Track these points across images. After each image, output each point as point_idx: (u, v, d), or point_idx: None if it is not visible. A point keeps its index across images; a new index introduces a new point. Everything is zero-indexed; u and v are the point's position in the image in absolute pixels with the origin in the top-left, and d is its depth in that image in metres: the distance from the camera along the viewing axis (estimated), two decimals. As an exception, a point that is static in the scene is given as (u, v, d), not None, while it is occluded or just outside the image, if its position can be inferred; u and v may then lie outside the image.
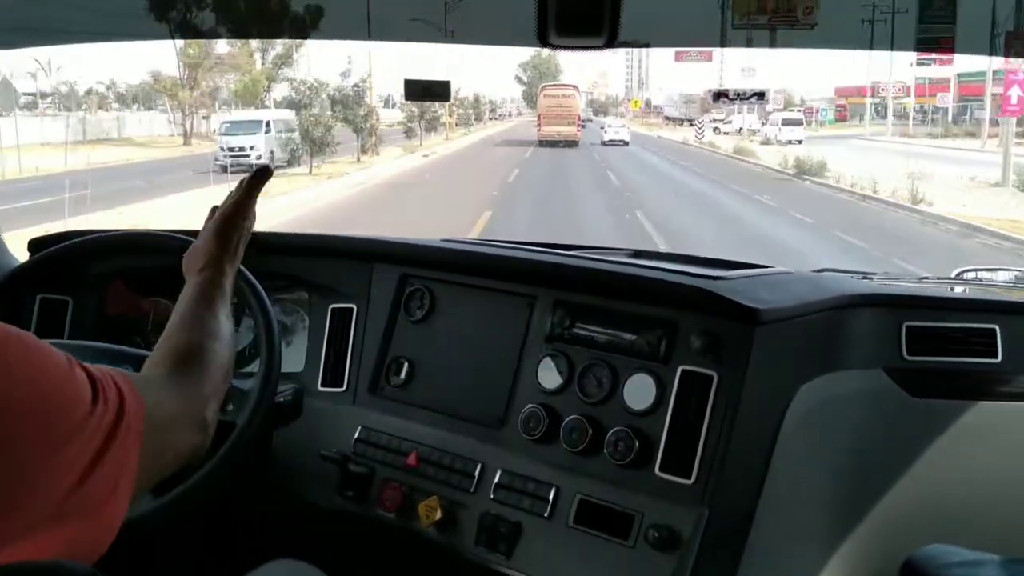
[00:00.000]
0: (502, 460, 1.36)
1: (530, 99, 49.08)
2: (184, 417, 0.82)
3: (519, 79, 52.34)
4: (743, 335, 1.22)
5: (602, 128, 29.60)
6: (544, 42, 1.31)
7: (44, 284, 1.63)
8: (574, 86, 29.86)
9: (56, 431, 0.62)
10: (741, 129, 31.31)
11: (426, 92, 1.63)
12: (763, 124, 29.51)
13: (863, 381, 1.38)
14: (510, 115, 54.17)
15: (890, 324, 1.42)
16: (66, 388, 0.65)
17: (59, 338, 1.57)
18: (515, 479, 1.34)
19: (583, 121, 30.34)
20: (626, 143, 26.99)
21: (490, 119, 46.42)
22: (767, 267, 1.52)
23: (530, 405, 1.36)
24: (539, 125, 27.56)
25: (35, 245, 1.62)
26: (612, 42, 1.30)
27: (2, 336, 0.61)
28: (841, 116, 39.70)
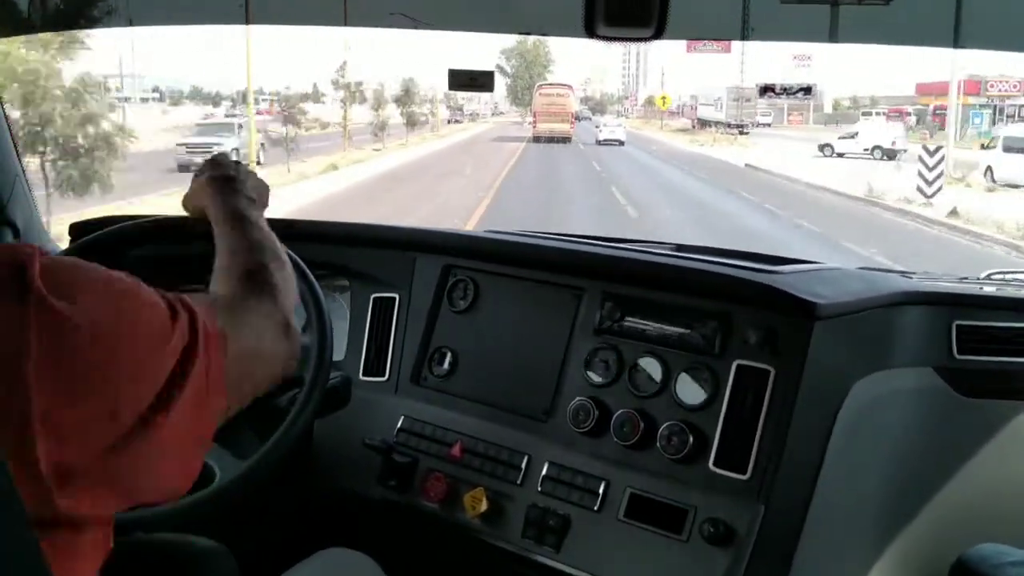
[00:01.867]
0: (549, 452, 1.36)
1: (516, 94, 41.84)
2: (266, 329, 0.79)
3: (501, 69, 41.89)
4: (801, 329, 1.21)
5: (597, 127, 28.41)
6: (591, 33, 1.30)
7: None
8: (568, 86, 30.08)
9: (143, 345, 0.61)
10: (875, 149, 20.28)
11: (471, 82, 1.60)
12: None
13: (914, 379, 1.37)
14: (477, 116, 41.78)
15: (940, 323, 1.41)
16: (144, 316, 0.63)
17: None
18: (563, 472, 1.33)
19: (576, 118, 30.14)
20: (621, 142, 25.73)
21: (452, 121, 36.31)
22: (815, 262, 1.51)
23: (579, 398, 1.36)
24: (534, 122, 27.92)
25: (76, 230, 1.62)
26: (660, 33, 1.29)
27: (59, 267, 0.59)
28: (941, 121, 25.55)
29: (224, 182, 1.03)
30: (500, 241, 1.60)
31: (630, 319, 1.38)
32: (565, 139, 26.13)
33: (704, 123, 32.44)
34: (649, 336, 1.36)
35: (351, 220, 1.72)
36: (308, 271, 1.22)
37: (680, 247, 1.68)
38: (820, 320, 1.23)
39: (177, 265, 1.59)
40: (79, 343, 0.56)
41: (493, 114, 46.04)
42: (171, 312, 0.64)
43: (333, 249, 1.66)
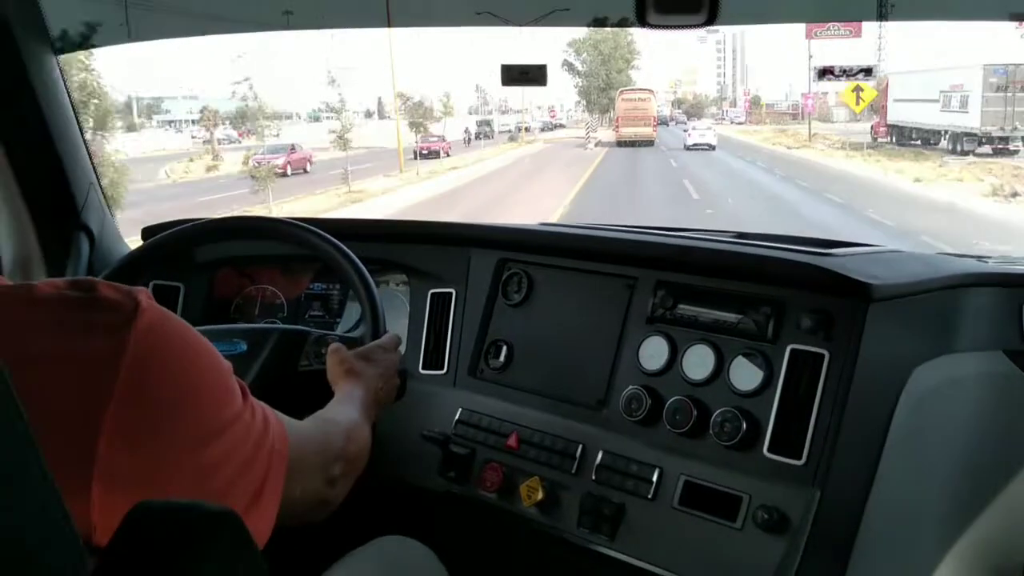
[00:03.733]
0: (603, 441, 1.36)
1: (589, 96, 32.18)
2: (317, 466, 0.85)
3: (569, 65, 32.38)
4: (856, 312, 1.19)
5: (685, 131, 27.46)
6: (642, 22, 1.32)
7: (157, 270, 1.71)
8: (650, 90, 29.39)
9: (205, 424, 0.65)
10: None
11: (523, 76, 1.62)
12: None
13: (982, 364, 1.31)
14: (528, 129, 31.13)
15: (1009, 305, 1.35)
16: (220, 383, 0.67)
17: None
18: (617, 460, 1.33)
19: (658, 122, 29.50)
20: (712, 147, 24.76)
21: (482, 137, 27.13)
22: (875, 245, 1.48)
23: (631, 387, 1.35)
24: (617, 127, 27.43)
25: (147, 232, 1.68)
26: (712, 19, 1.31)
27: (159, 321, 0.63)
28: None
29: (346, 366, 1.12)
30: (553, 234, 1.61)
31: (683, 307, 1.37)
32: (648, 142, 25.77)
33: (903, 133, 18.62)
34: (702, 323, 1.34)
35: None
36: (362, 266, 1.28)
37: (740, 235, 1.66)
38: (875, 302, 1.20)
39: (247, 264, 1.74)
40: (157, 400, 0.61)
41: (546, 128, 34.33)
42: (245, 404, 0.70)
43: (393, 247, 1.70)
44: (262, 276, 1.82)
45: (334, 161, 18.76)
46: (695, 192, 14.41)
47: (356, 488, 1.17)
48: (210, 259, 1.75)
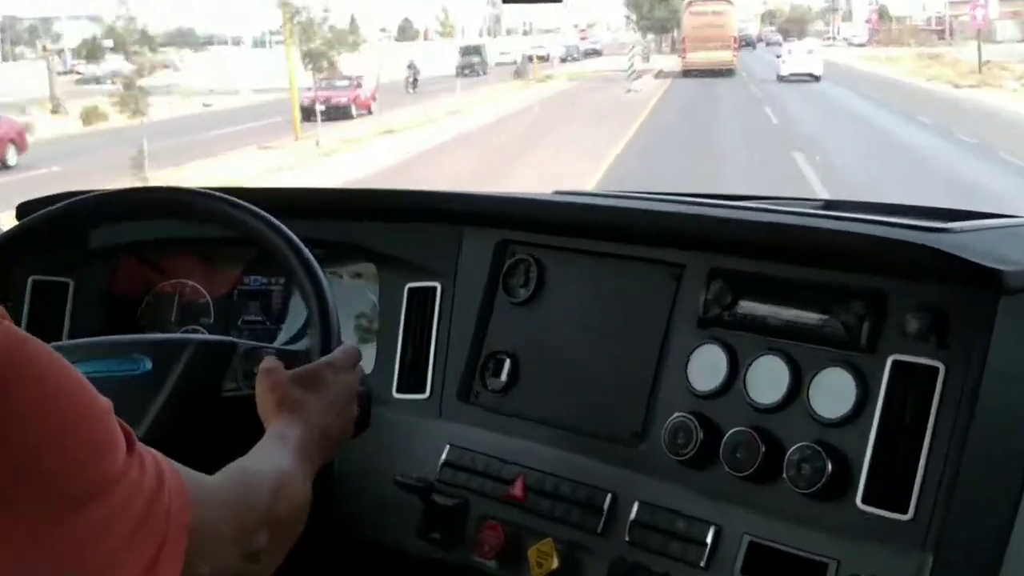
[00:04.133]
0: (640, 489, 1.38)
1: (640, 9, 33.11)
2: (232, 536, 0.89)
3: None
4: (981, 309, 1.17)
5: (779, 57, 26.63)
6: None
7: (36, 261, 1.75)
8: (728, 0, 29.04)
9: (75, 486, 0.68)
10: None
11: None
12: None
13: None
14: (544, 59, 30.58)
15: None
16: (94, 429, 0.71)
17: (58, 333, 1.71)
18: (659, 514, 1.34)
19: (740, 44, 28.79)
20: (816, 78, 22.92)
21: (468, 73, 26.80)
22: (1007, 215, 1.47)
23: (678, 414, 1.36)
24: (683, 51, 27.15)
25: (24, 210, 1.71)
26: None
27: (9, 350, 0.66)
28: None
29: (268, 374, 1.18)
30: (572, 205, 1.63)
31: (746, 303, 1.37)
32: (726, 71, 25.26)
33: None
34: (772, 327, 1.35)
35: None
36: (305, 251, 1.31)
37: (827, 204, 1.67)
38: (1008, 295, 1.18)
39: (160, 252, 1.79)
40: (7, 458, 0.64)
41: (571, 57, 34.03)
42: (131, 456, 0.73)
43: (354, 225, 1.73)
44: (179, 268, 1.86)
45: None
46: (818, 178, 11.77)
47: (302, 555, 1.19)
48: (109, 245, 1.78)
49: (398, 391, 1.65)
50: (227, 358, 1.38)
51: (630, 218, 1.54)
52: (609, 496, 1.39)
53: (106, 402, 0.72)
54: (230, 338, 1.48)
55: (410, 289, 1.68)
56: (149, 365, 1.34)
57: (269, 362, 1.18)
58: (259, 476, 0.97)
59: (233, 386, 1.38)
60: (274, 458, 1.03)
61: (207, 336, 1.54)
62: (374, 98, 22.59)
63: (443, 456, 1.55)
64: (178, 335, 1.65)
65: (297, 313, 1.80)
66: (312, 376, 1.18)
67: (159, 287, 1.88)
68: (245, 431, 1.11)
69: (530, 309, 1.59)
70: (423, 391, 1.64)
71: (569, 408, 1.50)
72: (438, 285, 1.66)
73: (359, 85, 22.35)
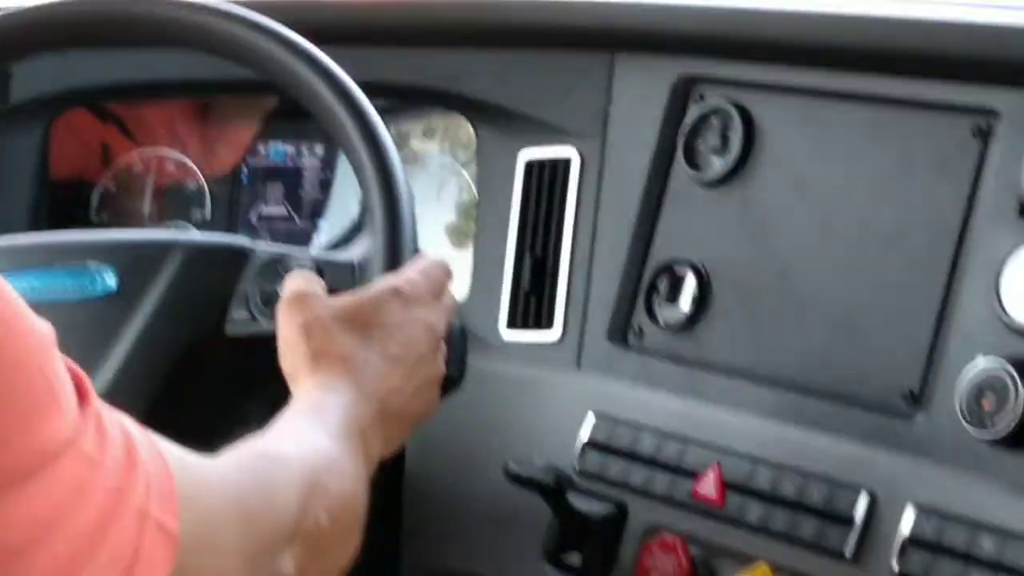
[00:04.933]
0: (918, 486, 1.25)
1: None
2: (245, 551, 0.84)
3: None
4: None
5: None
6: None
7: None
8: None
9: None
10: None
11: None
12: None
13: None
14: None
15: None
16: (25, 377, 0.64)
17: None
18: (950, 528, 1.21)
19: None
20: None
21: None
22: None
23: (983, 361, 1.23)
24: None
25: None
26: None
27: None
28: None
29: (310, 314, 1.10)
30: (810, 16, 1.46)
31: None
32: None
33: None
34: None
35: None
36: (360, 96, 1.23)
37: None
38: None
39: (121, 102, 1.82)
40: None
41: None
42: (84, 419, 0.68)
43: (434, 55, 1.63)
44: (154, 129, 1.79)
45: None
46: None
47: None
48: (44, 94, 1.71)
49: (510, 327, 1.54)
50: (234, 271, 1.30)
51: (900, 32, 1.38)
52: (865, 497, 1.27)
53: (45, 332, 0.66)
54: (239, 238, 1.41)
55: (529, 163, 1.55)
56: (113, 280, 1.27)
57: (300, 281, 1.11)
58: (285, 466, 0.91)
59: (243, 316, 1.30)
60: (308, 440, 0.97)
61: (201, 236, 1.48)
62: None
63: (585, 432, 1.43)
64: (157, 234, 1.59)
65: (345, 202, 1.74)
66: (371, 309, 1.09)
67: (124, 161, 1.79)
68: (261, 390, 1.13)
69: (729, 192, 1.44)
70: (550, 326, 1.51)
71: (795, 354, 1.38)
72: (575, 154, 1.52)
73: None
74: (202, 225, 1.77)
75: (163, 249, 1.33)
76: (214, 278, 1.32)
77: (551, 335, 1.51)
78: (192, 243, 1.36)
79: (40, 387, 0.65)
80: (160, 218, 1.80)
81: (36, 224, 1.74)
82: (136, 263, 1.31)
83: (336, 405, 1.02)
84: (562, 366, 1.50)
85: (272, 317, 1.14)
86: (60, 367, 0.67)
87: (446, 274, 1.18)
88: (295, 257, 1.32)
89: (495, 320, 1.55)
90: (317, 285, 1.11)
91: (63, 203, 1.81)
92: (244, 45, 1.24)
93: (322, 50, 1.23)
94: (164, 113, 1.82)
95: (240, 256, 1.33)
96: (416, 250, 1.20)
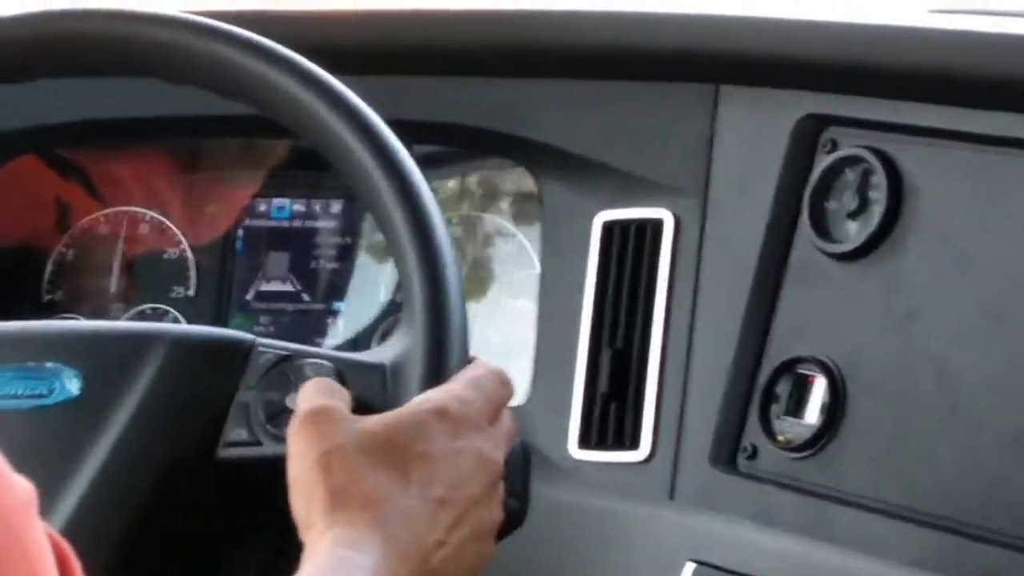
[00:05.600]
0: None
1: None
2: None
3: None
4: None
5: None
6: None
7: None
8: None
9: None
10: None
11: None
12: None
13: None
14: None
15: None
16: (10, 548, 0.61)
17: None
18: None
19: None
20: None
21: None
22: None
23: None
24: None
25: None
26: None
27: None
28: None
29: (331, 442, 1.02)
30: (974, 37, 1.40)
31: None
32: None
33: None
34: None
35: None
36: (395, 143, 1.13)
37: None
38: None
39: (88, 145, 1.81)
40: None
41: None
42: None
43: (482, 90, 1.59)
44: (129, 184, 1.73)
45: None
46: None
47: None
48: None
49: (582, 443, 1.45)
50: (231, 376, 1.19)
51: None
52: None
53: (23, 491, 0.62)
54: (237, 333, 1.27)
55: (608, 225, 1.49)
56: (75, 386, 1.17)
57: (318, 394, 1.03)
58: None
59: (241, 436, 1.17)
60: None
61: (188, 329, 1.38)
62: None
63: None
64: (131, 326, 1.50)
65: (371, 279, 1.68)
66: (408, 436, 1.00)
67: (85, 223, 1.73)
68: (261, 535, 1.14)
69: (869, 268, 1.38)
70: (635, 444, 1.44)
71: (956, 484, 1.32)
72: (668, 215, 1.46)
73: None
74: (184, 305, 1.70)
75: (139, 344, 1.22)
76: (204, 384, 1.21)
77: (636, 455, 1.44)
78: (177, 336, 1.25)
79: (15, 559, 0.61)
80: (130, 297, 1.73)
81: None
82: (104, 363, 1.20)
83: (361, 568, 0.92)
84: (650, 496, 1.44)
85: (279, 439, 1.06)
86: (41, 536, 0.62)
87: (505, 389, 1.07)
88: (310, 358, 1.19)
89: (563, 433, 1.47)
90: (340, 399, 1.01)
91: (5, 276, 1.76)
92: (242, 74, 1.13)
93: (342, 81, 1.13)
94: (139, 164, 1.77)
95: (239, 355, 1.21)
96: (467, 355, 1.09)
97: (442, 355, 1.07)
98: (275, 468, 1.00)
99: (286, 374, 1.17)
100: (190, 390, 1.20)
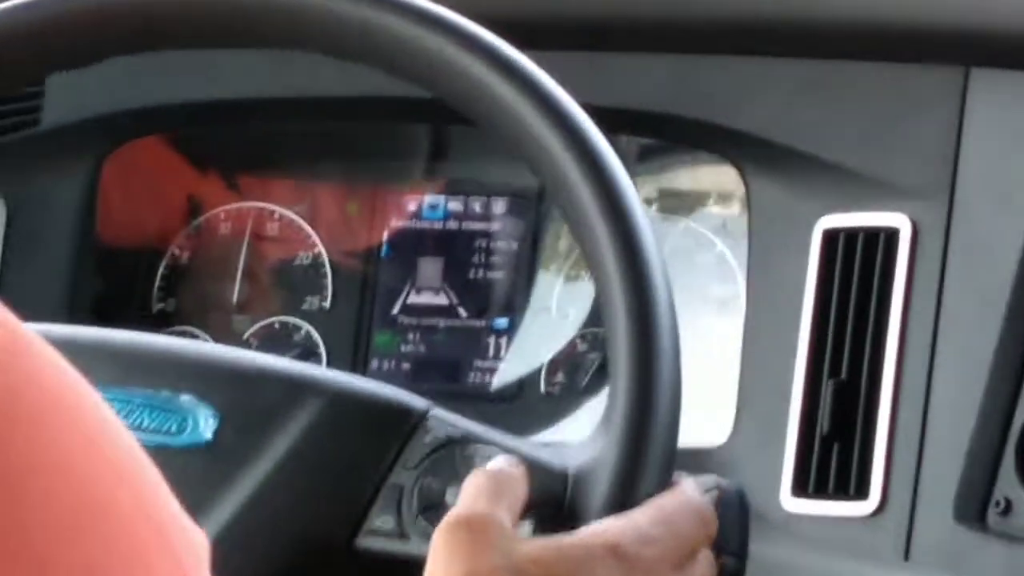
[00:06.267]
0: None
1: None
2: None
3: None
4: None
5: None
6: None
7: None
8: None
9: None
10: None
11: None
12: None
13: None
14: None
15: None
16: (138, 540, 0.55)
17: None
18: None
19: None
20: None
21: None
22: None
23: None
24: None
25: None
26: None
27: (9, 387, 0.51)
28: None
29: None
30: None
31: None
32: None
33: None
34: None
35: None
36: (598, 139, 1.12)
37: None
38: None
39: (214, 131, 1.86)
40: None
41: None
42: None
43: (683, 72, 1.59)
44: (258, 179, 1.75)
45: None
46: None
47: None
48: (98, 113, 1.70)
49: (797, 492, 1.45)
50: (391, 450, 1.21)
51: None
52: None
53: (153, 475, 0.57)
54: (412, 398, 1.25)
55: (830, 233, 1.48)
56: (211, 428, 1.18)
57: (479, 495, 1.05)
58: None
59: (389, 526, 1.18)
60: None
61: (354, 381, 1.30)
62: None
63: None
64: (289, 364, 1.40)
65: (542, 295, 1.68)
66: (568, 571, 1.01)
67: (204, 220, 1.75)
68: None
69: None
70: (863, 494, 1.43)
71: None
72: (906, 221, 1.46)
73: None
74: (319, 319, 1.70)
75: (294, 391, 1.21)
76: (359, 455, 1.21)
77: (863, 507, 1.42)
78: (339, 390, 1.23)
79: (149, 540, 0.56)
80: (255, 308, 1.73)
81: (72, 305, 1.71)
82: (247, 406, 1.20)
83: None
84: (881, 556, 1.44)
85: (429, 538, 1.02)
86: (181, 518, 0.58)
87: (703, 528, 1.04)
88: (486, 444, 1.17)
89: (773, 480, 1.46)
90: (507, 506, 1.00)
91: (114, 281, 1.78)
92: (410, 48, 1.12)
93: (527, 56, 1.10)
94: (288, 159, 1.78)
95: (405, 425, 1.19)
96: (668, 475, 1.06)
97: (636, 474, 1.04)
98: (416, 570, 1.00)
99: (453, 459, 1.15)
100: (341, 459, 1.18)
